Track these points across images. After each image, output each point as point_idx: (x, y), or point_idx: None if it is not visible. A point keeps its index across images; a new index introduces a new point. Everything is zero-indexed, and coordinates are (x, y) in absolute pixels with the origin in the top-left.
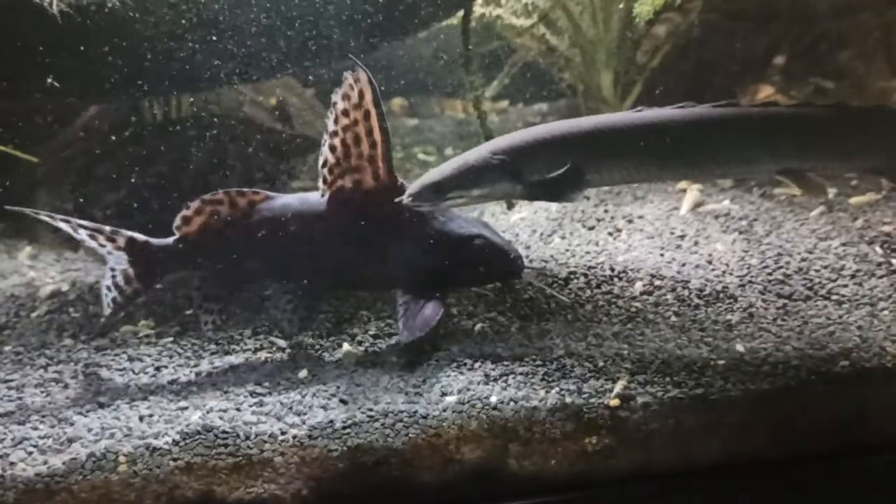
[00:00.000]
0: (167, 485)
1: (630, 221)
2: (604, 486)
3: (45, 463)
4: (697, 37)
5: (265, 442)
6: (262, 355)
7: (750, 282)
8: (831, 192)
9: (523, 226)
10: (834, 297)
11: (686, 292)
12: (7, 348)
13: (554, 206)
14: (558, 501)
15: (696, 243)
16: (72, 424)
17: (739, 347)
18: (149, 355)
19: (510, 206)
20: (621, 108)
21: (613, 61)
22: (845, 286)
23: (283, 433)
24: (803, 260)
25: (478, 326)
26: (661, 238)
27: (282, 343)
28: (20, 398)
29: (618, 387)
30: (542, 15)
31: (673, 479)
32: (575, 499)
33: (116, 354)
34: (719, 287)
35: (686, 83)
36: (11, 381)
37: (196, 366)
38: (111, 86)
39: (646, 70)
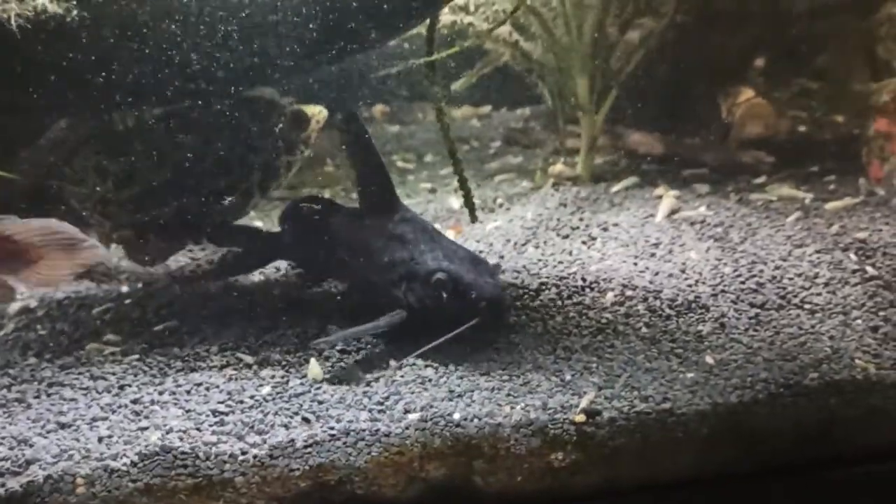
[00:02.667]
0: None
1: (605, 229)
2: None
3: (2, 486)
4: (673, 40)
5: (225, 462)
6: (228, 372)
7: (723, 291)
8: (808, 196)
9: (497, 235)
10: (807, 306)
11: (658, 303)
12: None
13: (529, 213)
14: None
15: (670, 251)
16: (31, 446)
17: (709, 359)
18: (113, 373)
19: (474, 220)
20: (597, 114)
21: (588, 67)
22: (819, 294)
23: (243, 453)
24: (777, 268)
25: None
26: (636, 246)
27: (249, 359)
28: None
29: (584, 402)
30: (504, 20)
31: (641, 496)
32: None
33: (80, 373)
34: (691, 297)
35: (663, 88)
36: None
37: (160, 384)
38: (75, 100)
39: (621, 76)
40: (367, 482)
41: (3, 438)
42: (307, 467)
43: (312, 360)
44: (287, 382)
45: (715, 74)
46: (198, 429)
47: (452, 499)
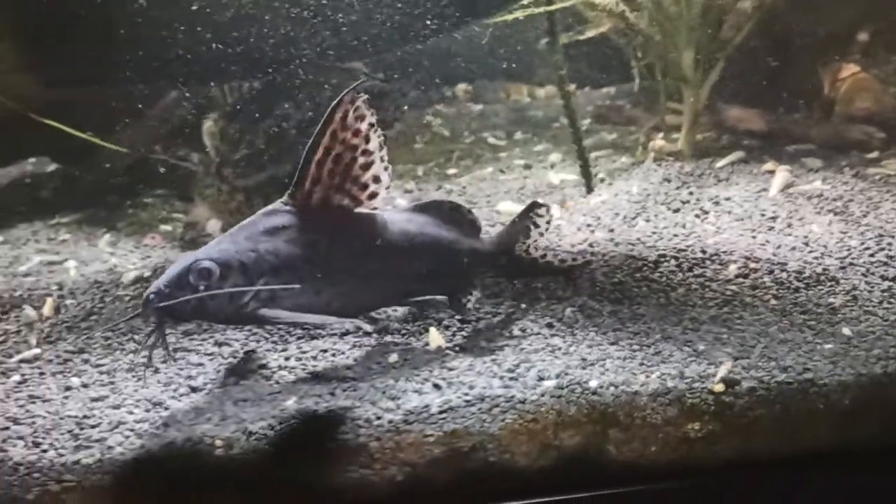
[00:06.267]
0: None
1: (717, 203)
2: (706, 475)
3: (142, 447)
4: (780, 12)
5: (360, 427)
6: (350, 339)
7: (851, 264)
8: None
9: (605, 209)
10: None
11: (784, 275)
12: (97, 333)
13: (635, 188)
14: (659, 490)
15: (789, 225)
16: (166, 409)
17: (846, 331)
18: (236, 339)
19: (590, 190)
20: (702, 87)
21: (695, 38)
22: None
23: (378, 418)
24: None
25: (568, 310)
26: (752, 220)
27: (368, 328)
28: (112, 382)
29: (721, 371)
30: None
31: (777, 468)
32: (676, 487)
33: (204, 339)
34: (819, 269)
35: (765, 61)
36: (102, 365)
37: (284, 350)
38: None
39: (728, 47)
40: (500, 449)
41: (139, 402)
42: (441, 433)
43: (432, 328)
44: (411, 350)
45: (819, 48)
46: (331, 393)
47: (585, 468)
